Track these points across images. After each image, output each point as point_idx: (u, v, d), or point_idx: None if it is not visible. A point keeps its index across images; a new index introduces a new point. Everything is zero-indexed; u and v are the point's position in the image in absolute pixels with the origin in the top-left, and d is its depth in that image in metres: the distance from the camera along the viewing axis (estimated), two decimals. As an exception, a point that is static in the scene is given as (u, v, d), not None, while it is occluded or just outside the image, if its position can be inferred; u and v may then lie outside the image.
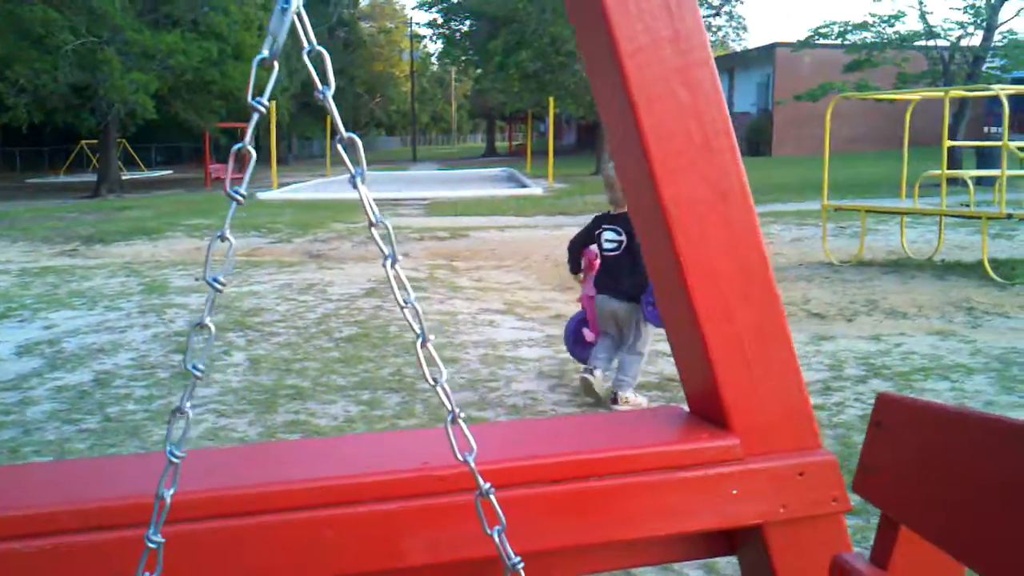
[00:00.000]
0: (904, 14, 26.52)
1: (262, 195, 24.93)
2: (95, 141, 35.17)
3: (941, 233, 12.01)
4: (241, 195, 1.11)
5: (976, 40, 25.26)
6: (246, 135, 1.10)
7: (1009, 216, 10.41)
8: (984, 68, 25.16)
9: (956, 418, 1.24)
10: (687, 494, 1.47)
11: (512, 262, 12.76)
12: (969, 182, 12.71)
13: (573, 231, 6.98)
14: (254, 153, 1.12)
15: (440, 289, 10.54)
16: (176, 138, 49.99)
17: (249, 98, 1.10)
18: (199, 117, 33.60)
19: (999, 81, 23.13)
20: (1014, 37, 25.43)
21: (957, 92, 13.35)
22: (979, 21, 24.91)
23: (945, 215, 11.69)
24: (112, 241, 15.75)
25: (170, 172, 45.88)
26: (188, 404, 1.13)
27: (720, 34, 52.60)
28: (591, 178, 30.42)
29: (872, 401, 1.52)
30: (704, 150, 1.45)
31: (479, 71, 49.82)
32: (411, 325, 1.18)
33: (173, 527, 1.19)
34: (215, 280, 1.11)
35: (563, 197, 23.59)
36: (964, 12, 25.09)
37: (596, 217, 6.49)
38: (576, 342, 6.73)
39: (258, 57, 1.10)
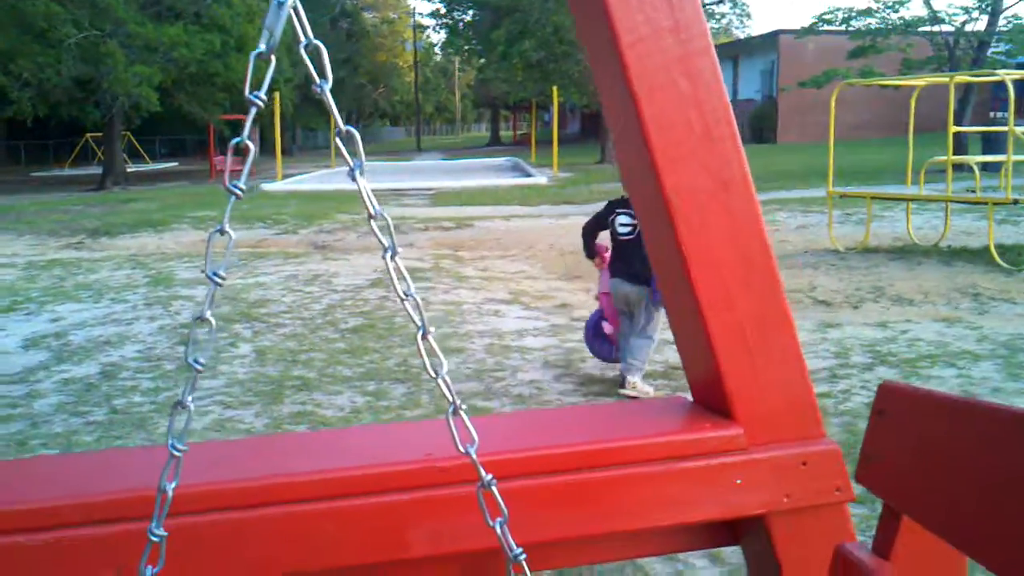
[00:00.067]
0: (908, -1, 26.44)
1: (267, 186, 24.95)
2: (99, 134, 35.22)
3: (947, 219, 11.98)
4: (240, 189, 1.11)
5: (981, 25, 25.17)
6: (244, 129, 1.09)
7: (1015, 202, 10.39)
8: (989, 53, 25.08)
9: (959, 407, 1.23)
10: (690, 484, 1.46)
11: (517, 251, 12.76)
12: (975, 168, 12.68)
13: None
14: (253, 147, 1.12)
15: (445, 279, 10.54)
16: (180, 130, 50.05)
17: (247, 92, 1.09)
18: (203, 109, 33.61)
19: (1004, 66, 23.06)
20: (1019, 22, 25.33)
21: (962, 78, 13.31)
22: (984, 6, 24.82)
23: (951, 201, 11.66)
24: (118, 234, 15.77)
25: (175, 164, 45.92)
26: (189, 398, 1.13)
27: (724, 21, 52.52)
28: (596, 167, 30.40)
29: None
30: (705, 139, 1.44)
31: (482, 60, 49.76)
32: (411, 317, 1.18)
33: (176, 520, 1.19)
34: (215, 274, 1.11)
35: (568, 186, 23.57)
36: (969, -4, 25.03)
37: (610, 202, 6.51)
38: (596, 336, 6.71)
39: (255, 51, 1.09)
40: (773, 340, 1.50)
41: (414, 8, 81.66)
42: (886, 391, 1.35)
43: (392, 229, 1.14)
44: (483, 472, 1.21)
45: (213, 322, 1.10)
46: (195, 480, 1.28)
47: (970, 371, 6.26)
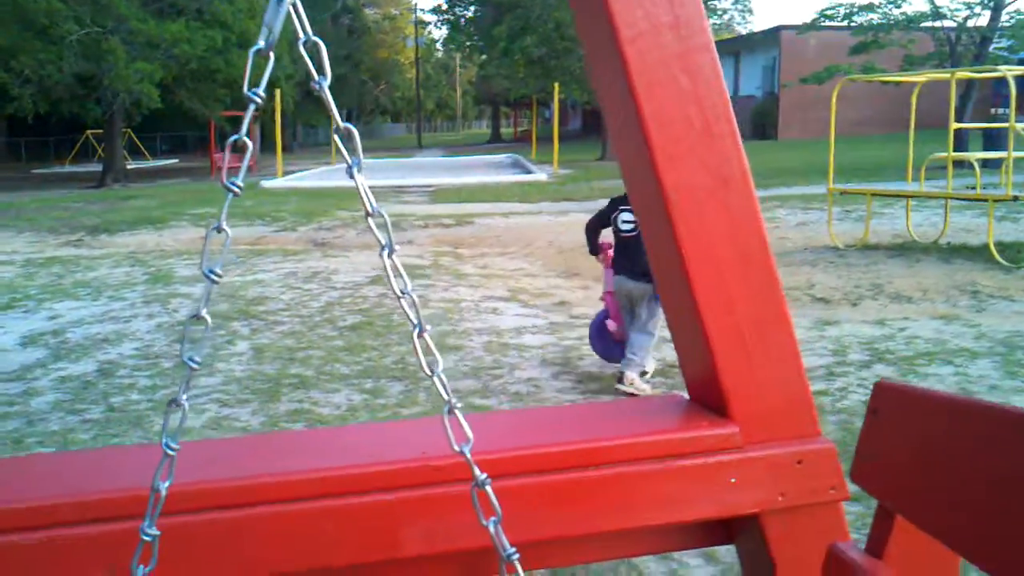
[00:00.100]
0: (911, -6, 26.39)
1: (267, 183, 24.95)
2: (100, 131, 35.18)
3: (947, 216, 11.96)
4: (238, 186, 1.11)
5: (983, 21, 25.12)
6: (242, 126, 1.09)
7: (1015, 198, 10.37)
8: (991, 49, 25.06)
9: (953, 406, 1.23)
10: (686, 483, 1.46)
11: (516, 249, 12.75)
12: (975, 164, 12.65)
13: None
14: (251, 144, 1.12)
15: (444, 276, 10.54)
16: (181, 127, 49.99)
17: (245, 89, 1.10)
18: (204, 106, 33.57)
19: (1006, 62, 23.02)
20: (1021, 17, 25.29)
21: (963, 74, 13.28)
22: (986, 1, 24.77)
23: (951, 198, 11.64)
24: (117, 231, 15.76)
25: (175, 161, 45.93)
26: (184, 396, 1.13)
27: (726, 17, 52.47)
28: (596, 164, 30.39)
29: None
30: (705, 136, 1.44)
31: (484, 57, 49.74)
32: (407, 315, 1.18)
33: (171, 518, 1.19)
34: (211, 271, 1.11)
35: (568, 183, 23.56)
36: (971, -8, 24.99)
37: (613, 199, 6.50)
38: (600, 336, 6.70)
39: (254, 48, 1.09)
40: (770, 339, 1.50)
41: (415, 4, 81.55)
42: (882, 390, 1.34)
43: (390, 226, 1.14)
44: (477, 471, 1.21)
45: (209, 320, 1.10)
46: (190, 479, 1.28)
47: (967, 369, 6.25)
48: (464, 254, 12.43)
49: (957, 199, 11.82)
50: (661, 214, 1.45)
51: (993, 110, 25.77)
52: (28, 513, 1.26)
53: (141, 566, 1.15)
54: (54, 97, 28.96)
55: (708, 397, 1.55)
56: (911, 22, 26.27)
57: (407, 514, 1.36)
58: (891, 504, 1.28)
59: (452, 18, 51.18)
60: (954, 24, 25.51)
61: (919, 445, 1.25)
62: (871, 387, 1.36)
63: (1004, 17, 24.88)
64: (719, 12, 49.66)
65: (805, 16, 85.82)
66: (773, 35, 41.42)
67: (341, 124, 1.14)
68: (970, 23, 25.43)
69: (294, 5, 1.10)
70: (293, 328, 8.03)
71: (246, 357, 7.10)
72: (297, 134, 60.23)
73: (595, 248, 6.68)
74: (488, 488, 1.22)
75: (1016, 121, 10.77)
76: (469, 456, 1.21)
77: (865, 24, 26.99)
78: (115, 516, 1.26)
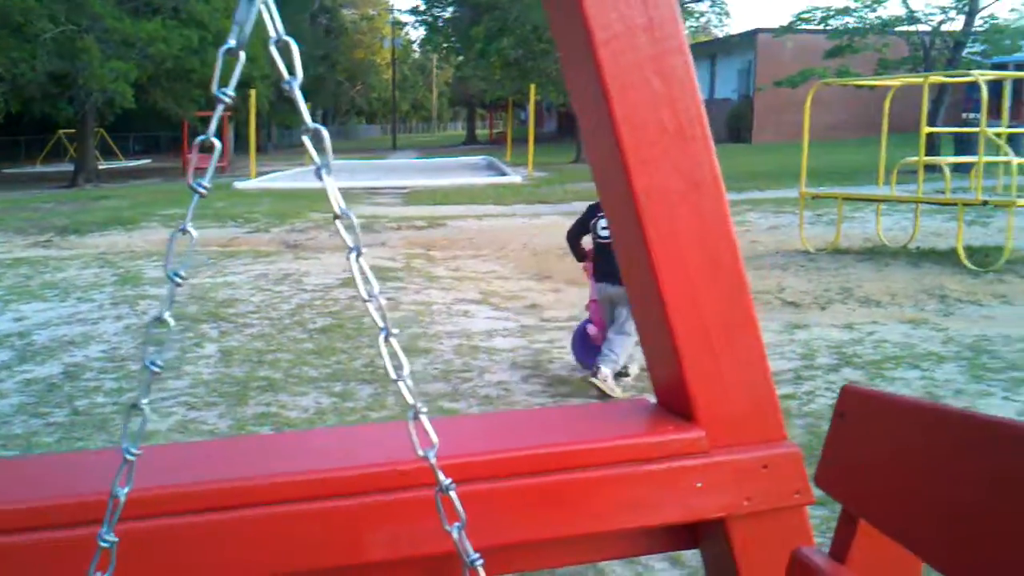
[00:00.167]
0: (886, -1, 26.60)
1: (240, 184, 24.82)
2: (72, 131, 34.95)
3: (917, 220, 12.03)
4: (204, 187, 1.09)
5: (957, 25, 25.33)
6: (210, 126, 1.08)
7: (985, 203, 10.46)
8: (964, 54, 25.25)
9: (919, 411, 1.23)
10: (652, 487, 1.46)
11: (489, 251, 12.74)
12: (945, 169, 12.74)
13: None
14: (219, 144, 1.10)
15: (416, 279, 10.52)
16: (155, 127, 49.63)
17: (214, 88, 1.08)
18: (178, 106, 33.38)
19: (979, 67, 23.20)
20: (995, 22, 25.50)
21: (936, 78, 13.37)
22: (961, 6, 24.97)
23: (921, 202, 11.72)
24: (87, 232, 15.64)
25: (148, 161, 45.62)
26: (145, 400, 1.11)
27: (703, 20, 52.66)
28: (570, 166, 30.41)
29: None
30: (677, 139, 1.43)
31: (461, 58, 49.81)
32: (375, 318, 1.16)
33: (129, 524, 1.18)
34: (175, 274, 1.09)
35: (542, 185, 23.58)
36: (946, -4, 25.21)
37: (591, 206, 6.51)
38: (582, 344, 6.68)
39: (224, 47, 1.08)
40: (737, 343, 1.49)
41: (393, 5, 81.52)
42: (848, 394, 1.34)
43: (358, 229, 1.12)
44: (442, 476, 1.20)
45: (172, 322, 1.08)
46: (151, 484, 1.26)
47: (934, 373, 6.29)
48: (436, 256, 12.41)
49: (927, 203, 11.90)
50: (631, 217, 1.45)
51: (965, 115, 26.00)
52: None
53: (99, 573, 1.14)
54: (27, 96, 28.75)
55: (675, 401, 1.54)
56: (886, 26, 26.46)
57: (372, 519, 1.35)
58: (855, 509, 1.29)
59: (430, 19, 51.22)
60: (928, 28, 25.70)
61: (884, 450, 1.25)
62: (839, 391, 1.36)
63: (977, 22, 25.09)
64: (696, 15, 49.86)
65: (782, 19, 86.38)
66: (749, 38, 41.57)
67: (310, 124, 1.12)
68: (944, 28, 25.64)
69: (266, 4, 1.08)
70: (262, 330, 7.99)
71: (214, 360, 7.06)
72: (272, 135, 60.00)
73: (580, 255, 6.68)
74: (452, 493, 1.21)
75: (987, 126, 10.86)
76: (433, 461, 1.20)
77: (840, 28, 27.16)
78: (76, 522, 1.25)
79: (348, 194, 21.69)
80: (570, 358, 6.83)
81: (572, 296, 9.27)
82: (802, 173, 12.33)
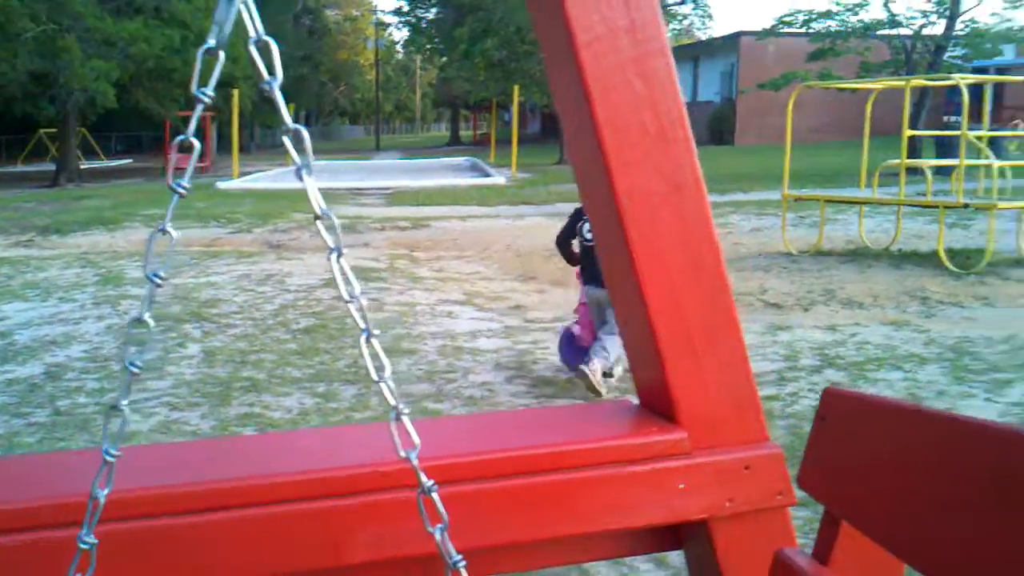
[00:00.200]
0: (868, 2, 26.70)
1: (223, 184, 24.74)
2: (54, 130, 34.77)
3: (899, 222, 12.09)
4: (184, 188, 1.09)
5: (938, 29, 25.45)
6: (190, 126, 1.07)
7: (966, 206, 10.52)
8: (945, 57, 25.37)
9: (900, 413, 1.23)
10: (635, 489, 1.46)
11: (473, 252, 12.74)
12: (927, 171, 12.81)
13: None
14: (198, 144, 1.10)
15: (400, 280, 10.50)
16: (137, 127, 49.34)
17: (194, 88, 1.08)
18: (160, 106, 33.22)
19: (960, 70, 23.32)
20: (975, 26, 25.64)
21: (918, 81, 13.44)
22: (942, 9, 25.09)
23: (903, 205, 11.78)
24: (69, 231, 15.56)
25: (130, 161, 45.40)
26: (125, 401, 1.10)
27: (685, 22, 52.74)
28: (554, 168, 30.44)
29: None
30: (659, 141, 1.43)
31: (444, 59, 49.72)
32: (356, 320, 1.16)
33: (110, 526, 1.17)
34: (155, 275, 1.08)
35: (526, 187, 23.58)
36: (927, 0, 25.29)
37: (577, 209, 6.52)
38: (568, 346, 6.67)
39: (204, 47, 1.07)
40: (719, 344, 1.50)
41: (376, 5, 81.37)
42: (830, 397, 1.35)
43: (338, 229, 1.12)
44: (423, 478, 1.20)
45: (152, 323, 1.08)
46: (130, 485, 1.25)
47: (916, 375, 6.32)
48: (420, 257, 12.40)
49: (909, 206, 11.96)
50: (614, 219, 1.45)
51: (946, 118, 26.16)
52: None
53: (79, 575, 1.13)
54: (7, 95, 28.58)
55: (657, 402, 1.54)
56: (868, 30, 26.56)
57: (354, 520, 1.35)
58: (837, 510, 1.29)
59: (413, 20, 51.11)
60: (910, 32, 25.82)
61: (865, 452, 1.25)
62: (821, 392, 1.37)
63: (958, 26, 25.21)
64: (679, 17, 49.94)
65: (764, 22, 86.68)
66: (732, 41, 41.66)
67: (290, 125, 1.12)
68: (925, 31, 25.75)
69: (245, 3, 1.08)
70: (246, 331, 7.96)
71: (197, 360, 7.03)
72: (255, 135, 59.80)
73: (572, 259, 6.68)
74: (434, 495, 1.21)
75: (968, 129, 10.92)
76: (415, 462, 1.20)
77: (822, 31, 27.26)
78: (57, 523, 1.24)
79: (331, 195, 21.68)
80: (554, 359, 6.83)
81: (556, 297, 9.28)
82: (785, 175, 12.38)
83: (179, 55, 29.71)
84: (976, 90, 14.41)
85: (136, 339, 1.10)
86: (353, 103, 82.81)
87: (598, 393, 6.05)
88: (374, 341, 1.18)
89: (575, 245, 6.59)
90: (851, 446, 1.29)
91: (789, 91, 14.42)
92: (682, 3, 47.74)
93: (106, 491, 1.12)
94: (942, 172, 15.63)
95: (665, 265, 1.45)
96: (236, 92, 28.92)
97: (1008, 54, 30.61)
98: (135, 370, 1.09)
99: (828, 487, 1.33)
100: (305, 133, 1.12)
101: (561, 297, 9.18)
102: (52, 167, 33.18)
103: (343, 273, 1.15)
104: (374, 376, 1.18)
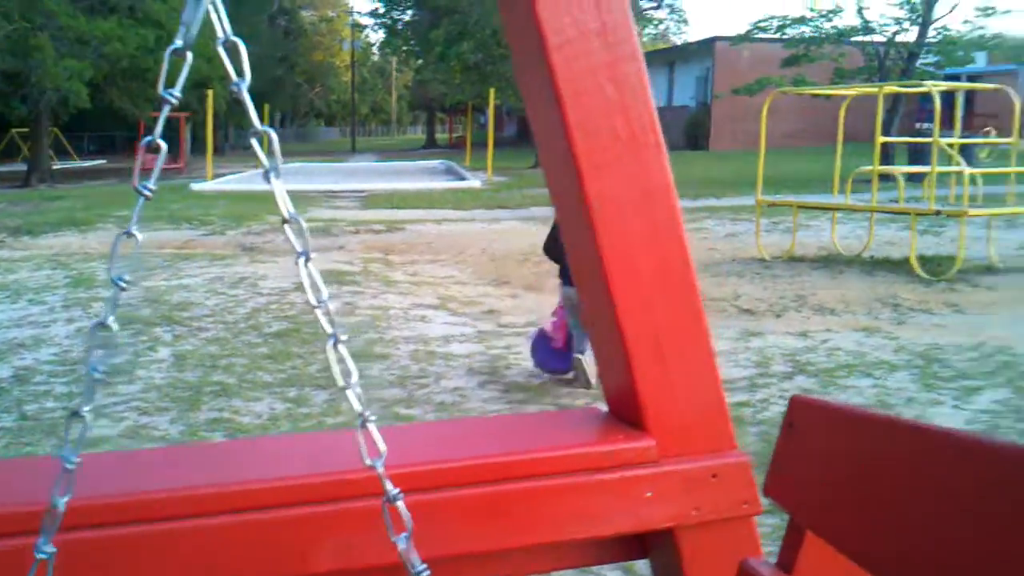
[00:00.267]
0: (842, 9, 26.88)
1: (196, 186, 24.61)
2: (26, 130, 34.49)
3: (871, 229, 12.16)
4: (150, 190, 1.07)
5: (911, 36, 25.64)
6: (157, 127, 1.06)
7: (937, 213, 10.59)
8: (918, 64, 25.56)
9: (866, 422, 1.23)
10: (602, 497, 1.45)
11: (447, 256, 12.72)
12: (899, 178, 12.89)
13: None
14: (164, 145, 1.08)
15: (373, 283, 10.47)
16: (110, 127, 48.99)
17: (160, 88, 1.06)
18: (134, 106, 33.03)
19: (932, 77, 23.52)
20: (948, 33, 25.84)
21: (891, 88, 13.52)
22: (915, 17, 25.28)
23: (875, 211, 11.84)
24: (40, 233, 15.43)
25: (103, 162, 45.08)
26: (87, 408, 1.09)
27: (661, 27, 52.93)
28: (530, 171, 30.42)
29: None
30: (630, 146, 1.42)
31: (420, 62, 49.68)
32: (323, 325, 1.15)
33: (70, 535, 1.15)
34: (120, 279, 1.07)
35: (501, 190, 23.57)
36: (900, 7, 25.46)
37: None
38: (543, 347, 6.67)
39: (171, 47, 1.06)
40: (688, 352, 1.49)
41: (352, 7, 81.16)
42: (797, 405, 1.35)
43: (307, 233, 1.11)
44: (389, 486, 1.19)
45: (116, 327, 1.06)
46: (92, 493, 1.24)
47: (886, 381, 6.35)
48: (394, 261, 12.36)
49: (881, 212, 12.03)
50: (584, 224, 1.44)
51: (918, 125, 26.34)
52: None
53: (38, 585, 1.12)
54: (-23, 95, 28.37)
55: (626, 410, 1.54)
56: (841, 36, 26.72)
57: (319, 529, 1.33)
58: (802, 519, 1.29)
59: (389, 21, 51.02)
60: (883, 39, 26.00)
61: (832, 460, 1.25)
62: (789, 400, 1.36)
63: (931, 33, 25.41)
64: (655, 22, 50.11)
65: (739, 28, 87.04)
66: (707, 46, 41.78)
67: (258, 127, 1.11)
68: (898, 39, 25.93)
69: (213, 3, 1.07)
70: (217, 335, 7.92)
71: (167, 364, 6.99)
72: (229, 136, 59.53)
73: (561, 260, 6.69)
74: (399, 503, 1.19)
75: (940, 136, 11.00)
76: (381, 470, 1.19)
77: (797, 37, 27.39)
78: (12, 532, 1.22)
79: (306, 197, 21.59)
80: (527, 364, 6.83)
81: (530, 302, 9.28)
82: (758, 181, 12.42)
83: (153, 55, 29.52)
84: (948, 97, 14.54)
85: (100, 344, 1.09)
86: (329, 105, 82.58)
87: (590, 385, 6.08)
88: (341, 347, 1.17)
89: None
90: (818, 455, 1.28)
91: (764, 96, 14.48)
92: (657, 7, 47.96)
93: (66, 499, 1.10)
94: (914, 179, 15.73)
95: (635, 270, 1.45)
96: (211, 93, 28.76)
97: (980, 62, 30.86)
98: (98, 376, 1.08)
99: (793, 495, 1.33)
100: (273, 135, 1.11)
101: (534, 302, 9.18)
102: (24, 167, 32.90)
103: (311, 278, 1.14)
104: (340, 382, 1.17)
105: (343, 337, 1.16)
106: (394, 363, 7.01)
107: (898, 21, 25.76)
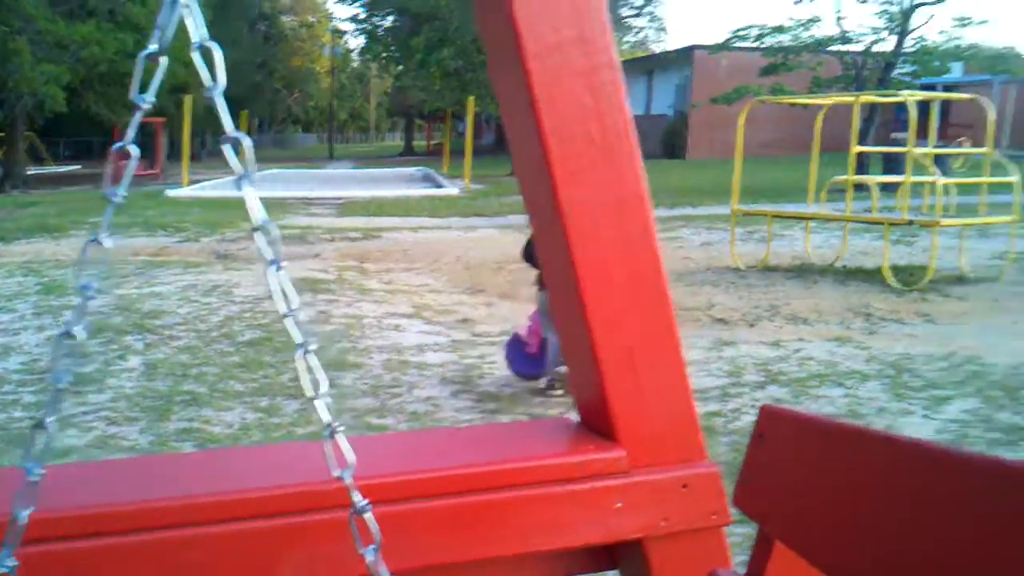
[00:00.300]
0: (820, 18, 27.07)
1: (171, 192, 24.52)
2: (1, 134, 34.25)
3: (845, 238, 12.22)
4: (120, 196, 1.07)
5: (889, 46, 25.84)
6: (128, 132, 1.06)
7: (910, 222, 10.65)
8: (895, 74, 25.77)
9: (836, 432, 1.23)
10: (572, 508, 1.45)
11: (423, 264, 12.70)
12: (873, 188, 12.96)
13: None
14: (136, 151, 1.08)
15: (348, 291, 10.44)
16: (87, 132, 48.73)
17: (133, 93, 1.06)
18: (111, 111, 32.87)
19: (909, 87, 23.68)
20: (924, 44, 26.06)
21: (867, 98, 13.59)
22: (893, 27, 25.47)
23: (849, 221, 11.90)
24: (12, 239, 15.31)
25: (79, 167, 44.81)
26: (51, 418, 1.07)
27: (640, 35, 53.13)
28: (508, 179, 30.44)
29: None
30: (605, 153, 1.42)
31: (400, 68, 49.65)
32: (292, 334, 1.14)
33: (32, 548, 1.14)
34: (87, 287, 1.06)
35: (479, 198, 23.57)
36: (878, 17, 25.68)
37: None
38: (517, 354, 6.65)
39: (144, 52, 1.05)
40: (659, 362, 1.49)
41: (333, 12, 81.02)
42: (767, 415, 1.35)
43: (279, 241, 1.10)
44: (357, 497, 1.18)
45: (83, 336, 1.05)
46: (57, 505, 1.23)
47: (857, 391, 6.37)
48: (370, 269, 12.33)
49: (855, 222, 12.09)
50: (557, 231, 1.44)
51: (893, 134, 26.52)
52: None
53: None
54: (-48, 99, 28.16)
55: (597, 420, 1.54)
56: (819, 45, 26.89)
57: (286, 541, 1.33)
58: (771, 529, 1.29)
59: (370, 28, 50.99)
60: (860, 49, 26.18)
61: (802, 471, 1.25)
62: (759, 410, 1.36)
63: (908, 43, 25.62)
64: (635, 30, 50.29)
65: (719, 36, 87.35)
66: (686, 54, 41.91)
67: (231, 133, 1.10)
68: (876, 48, 26.13)
69: (189, 7, 1.06)
70: (189, 343, 7.87)
71: (137, 373, 6.94)
72: (206, 142, 59.30)
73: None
74: (367, 515, 1.19)
75: (915, 146, 11.07)
76: (349, 482, 1.18)
77: (775, 46, 27.54)
78: None
79: (282, 204, 21.53)
80: (500, 373, 6.82)
81: (504, 311, 9.27)
82: (734, 190, 12.46)
83: (132, 59, 29.02)
84: (924, 107, 14.60)
85: (65, 353, 1.08)
86: (307, 111, 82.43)
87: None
88: (311, 357, 1.16)
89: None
90: (787, 465, 1.29)
91: (741, 105, 14.53)
92: (637, 15, 48.11)
93: (28, 511, 1.09)
94: (888, 188, 15.82)
95: (607, 279, 1.45)
96: (188, 98, 28.64)
97: (956, 72, 31.12)
98: (62, 386, 1.07)
99: (763, 506, 1.33)
100: (247, 142, 1.10)
101: (509, 310, 9.17)
102: (-2, 172, 32.69)
103: (281, 288, 1.14)
104: (309, 392, 1.16)
105: (313, 347, 1.15)
106: (367, 372, 6.99)
107: (876, 31, 25.97)
